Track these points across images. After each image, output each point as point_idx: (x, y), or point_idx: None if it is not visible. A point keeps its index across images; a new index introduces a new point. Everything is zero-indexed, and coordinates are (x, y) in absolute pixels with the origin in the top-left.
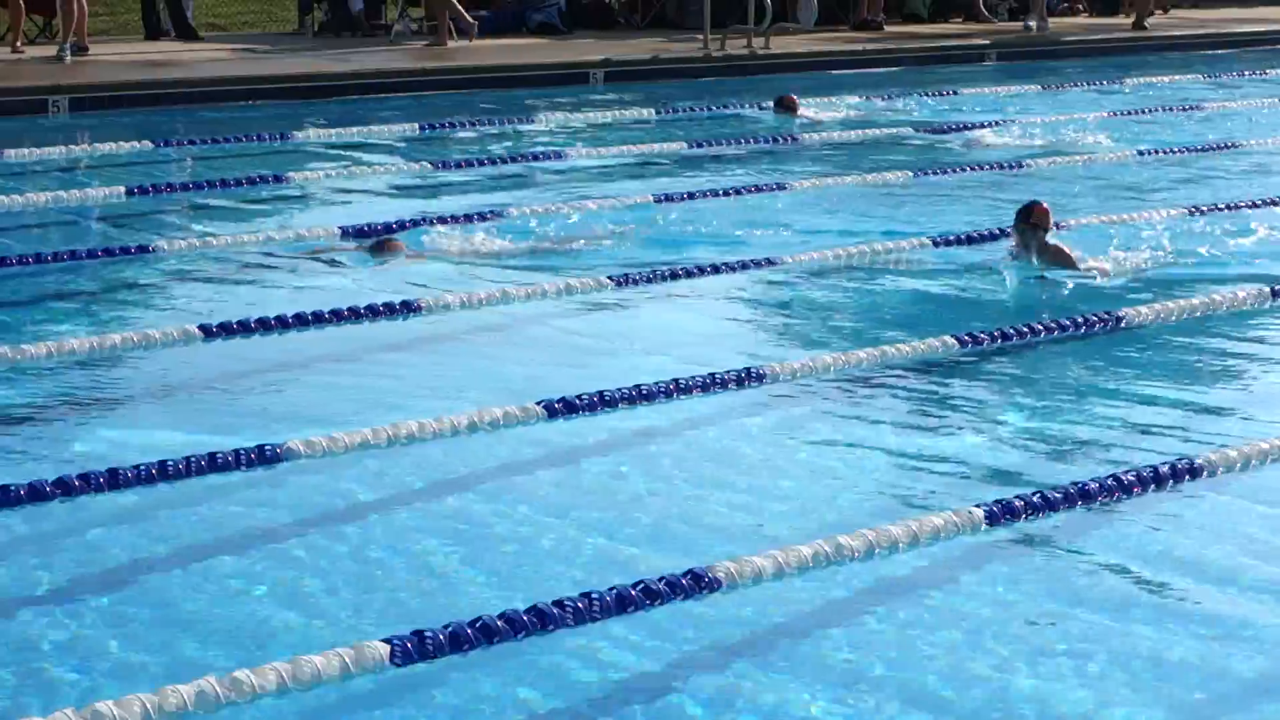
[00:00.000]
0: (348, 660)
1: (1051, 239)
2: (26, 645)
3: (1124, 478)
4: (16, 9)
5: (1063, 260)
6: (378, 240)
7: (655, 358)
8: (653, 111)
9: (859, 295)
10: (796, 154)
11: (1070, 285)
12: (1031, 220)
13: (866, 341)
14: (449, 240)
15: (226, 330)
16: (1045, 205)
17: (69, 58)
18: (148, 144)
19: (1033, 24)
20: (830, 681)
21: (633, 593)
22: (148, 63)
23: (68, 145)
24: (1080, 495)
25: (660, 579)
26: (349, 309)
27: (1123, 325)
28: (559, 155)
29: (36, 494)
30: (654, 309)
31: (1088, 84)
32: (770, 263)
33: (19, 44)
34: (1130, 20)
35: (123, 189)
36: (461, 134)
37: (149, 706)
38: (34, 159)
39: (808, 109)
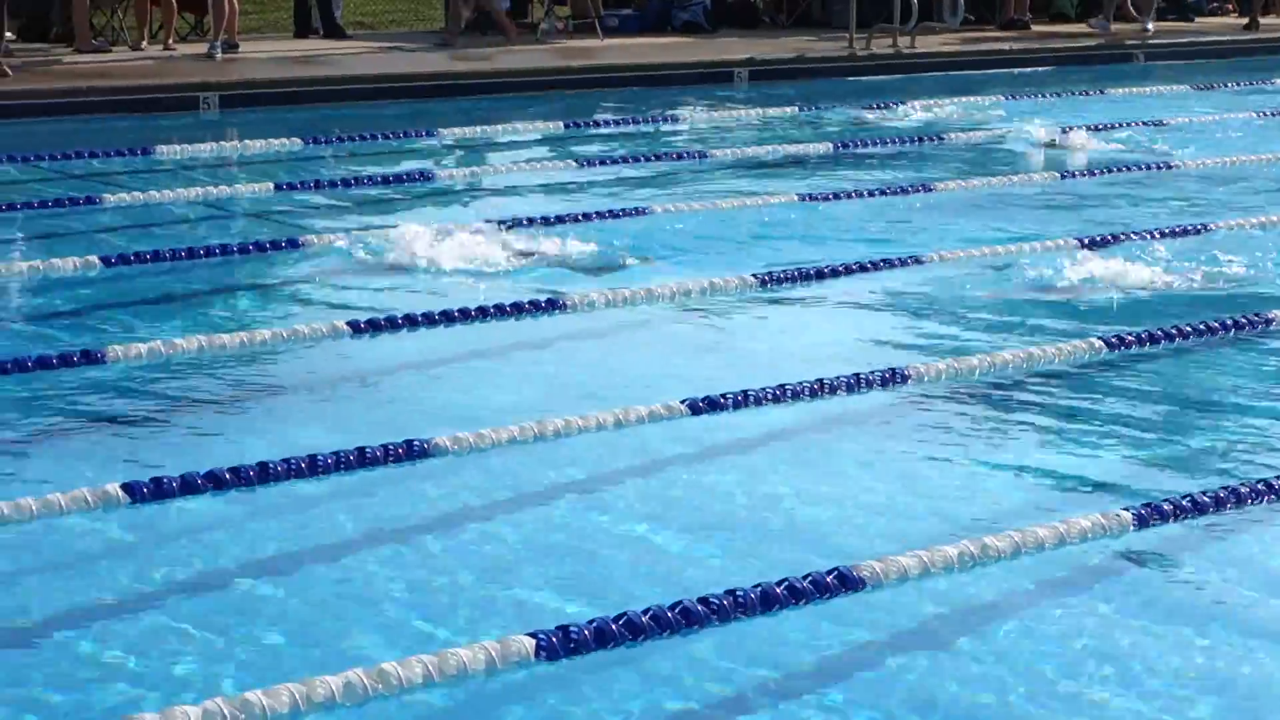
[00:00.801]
0: (493, 654)
1: None
2: (176, 636)
3: (1276, 483)
4: (169, 7)
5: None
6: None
7: (799, 357)
8: (797, 111)
9: (1004, 296)
10: (941, 154)
11: (1223, 285)
12: None
13: (1012, 343)
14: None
15: (375, 326)
16: None
17: (220, 55)
18: (296, 141)
19: (1098, 24)
20: (974, 683)
21: (777, 591)
22: (296, 60)
23: (218, 141)
24: (1232, 499)
25: (805, 577)
26: (495, 306)
27: (1272, 326)
28: (702, 154)
29: (189, 487)
30: (798, 308)
31: (1239, 84)
32: (916, 262)
33: (171, 41)
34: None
35: (271, 185)
36: (605, 132)
37: (297, 696)
38: (185, 155)
39: (953, 108)
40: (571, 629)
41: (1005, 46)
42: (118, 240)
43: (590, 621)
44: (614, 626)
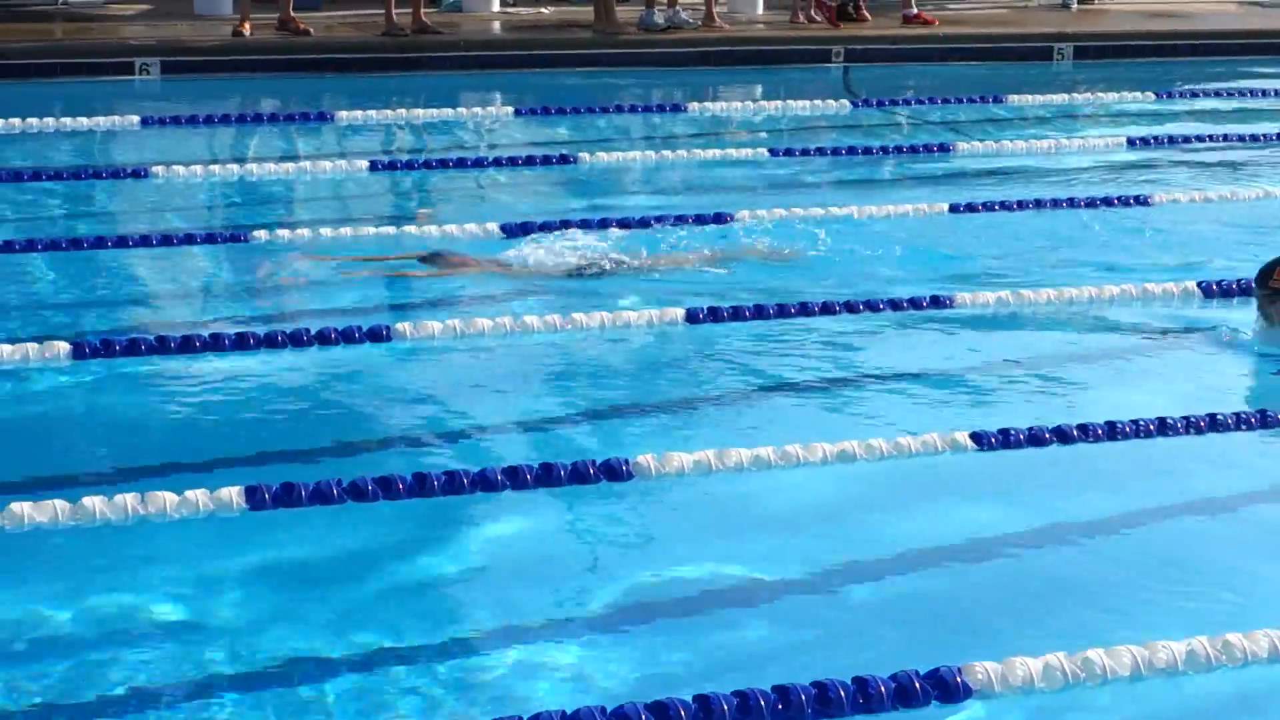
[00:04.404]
0: None
1: None
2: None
3: None
4: None
5: None
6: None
7: None
8: None
9: None
10: None
11: None
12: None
13: None
14: None
15: (1225, 293)
16: None
17: (1075, 6)
18: (1149, 95)
19: None
20: None
21: None
22: (1152, 13)
23: (1069, 94)
24: None
25: None
26: None
27: None
28: None
29: (1035, 440)
30: None
31: None
32: None
33: None
34: None
35: (1124, 139)
36: None
37: (1139, 659)
38: (1038, 104)
39: None
40: None
41: None
42: (967, 187)
43: None
44: None
